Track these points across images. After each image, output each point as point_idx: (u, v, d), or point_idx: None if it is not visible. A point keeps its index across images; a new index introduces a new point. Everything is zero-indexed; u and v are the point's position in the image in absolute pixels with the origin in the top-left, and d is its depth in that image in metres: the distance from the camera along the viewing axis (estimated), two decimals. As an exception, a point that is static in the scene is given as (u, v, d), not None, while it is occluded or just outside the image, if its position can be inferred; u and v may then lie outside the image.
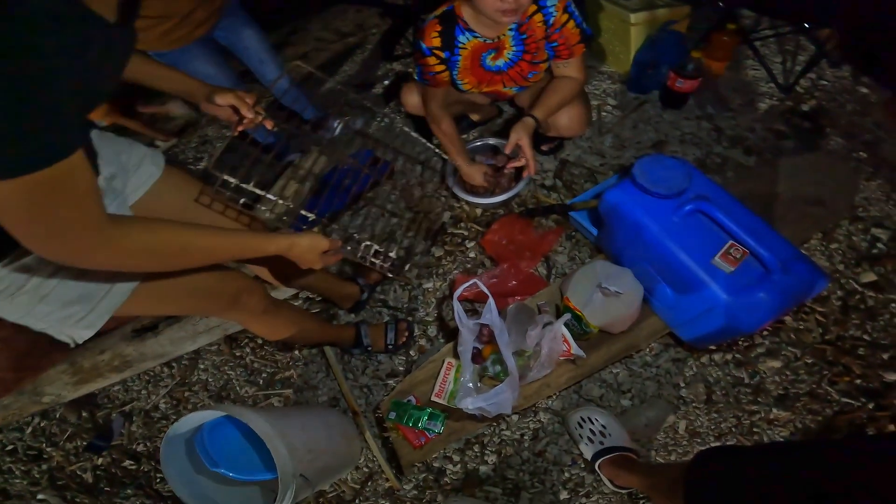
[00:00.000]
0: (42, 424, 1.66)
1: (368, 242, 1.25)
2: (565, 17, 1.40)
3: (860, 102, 1.94)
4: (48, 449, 1.61)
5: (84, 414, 1.66)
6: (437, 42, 1.45)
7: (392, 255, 1.32)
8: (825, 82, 2.03)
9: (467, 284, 1.26)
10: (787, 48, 2.19)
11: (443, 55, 1.48)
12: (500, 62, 1.53)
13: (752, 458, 0.79)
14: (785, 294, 1.05)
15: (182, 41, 1.55)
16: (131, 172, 0.97)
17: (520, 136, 1.50)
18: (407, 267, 1.68)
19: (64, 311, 0.80)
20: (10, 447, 1.64)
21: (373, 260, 1.26)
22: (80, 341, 0.85)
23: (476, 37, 1.44)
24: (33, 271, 0.74)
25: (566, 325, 1.29)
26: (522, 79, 1.59)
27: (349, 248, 1.20)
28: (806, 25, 1.96)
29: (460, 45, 1.47)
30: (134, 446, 1.58)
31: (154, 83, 0.99)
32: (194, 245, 0.76)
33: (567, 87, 1.54)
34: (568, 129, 1.68)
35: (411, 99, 1.76)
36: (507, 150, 1.54)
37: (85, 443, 1.60)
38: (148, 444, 1.57)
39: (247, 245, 0.86)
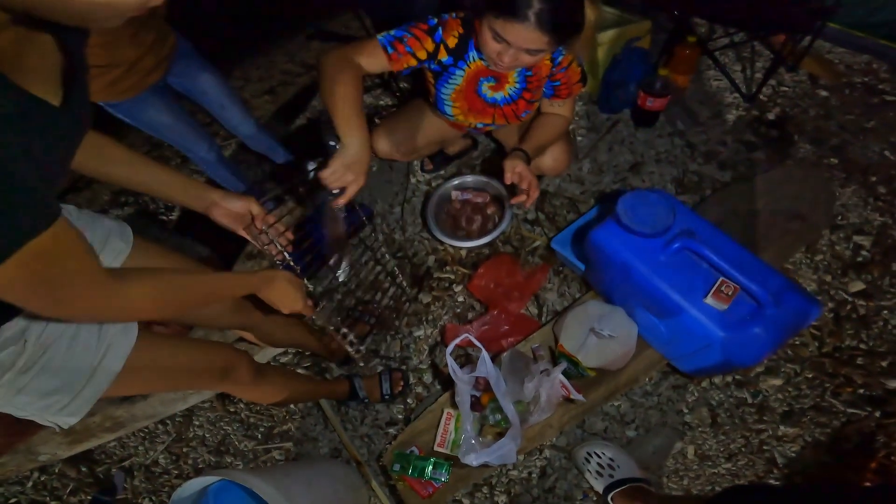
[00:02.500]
0: (42, 479, 1.62)
1: (346, 330, 1.29)
2: (570, 55, 1.33)
3: (822, 106, 1.98)
4: (52, 503, 1.57)
5: (83, 469, 1.62)
6: (452, 42, 1.28)
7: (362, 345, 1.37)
8: (786, 88, 2.07)
9: (459, 339, 1.23)
10: (744, 55, 2.23)
11: (445, 58, 1.32)
12: (499, 95, 1.42)
13: (781, 499, 0.77)
14: (780, 327, 1.04)
15: (133, 90, 1.46)
16: (98, 251, 0.91)
17: (516, 164, 1.33)
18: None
19: (44, 402, 0.77)
20: (12, 500, 1.60)
21: (348, 347, 1.31)
22: (66, 426, 0.81)
23: (482, 59, 1.33)
24: (4, 367, 0.71)
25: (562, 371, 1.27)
26: (515, 117, 1.49)
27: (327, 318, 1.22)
28: (759, 32, 2.00)
29: (467, 61, 1.34)
30: (140, 501, 1.54)
31: (148, 189, 0.94)
32: (191, 285, 0.78)
33: (557, 126, 1.47)
34: (552, 170, 1.64)
35: (382, 145, 1.71)
36: (508, 181, 1.35)
37: (89, 497, 1.56)
38: (153, 498, 1.54)
39: (234, 282, 0.88)
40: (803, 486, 1.14)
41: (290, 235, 1.07)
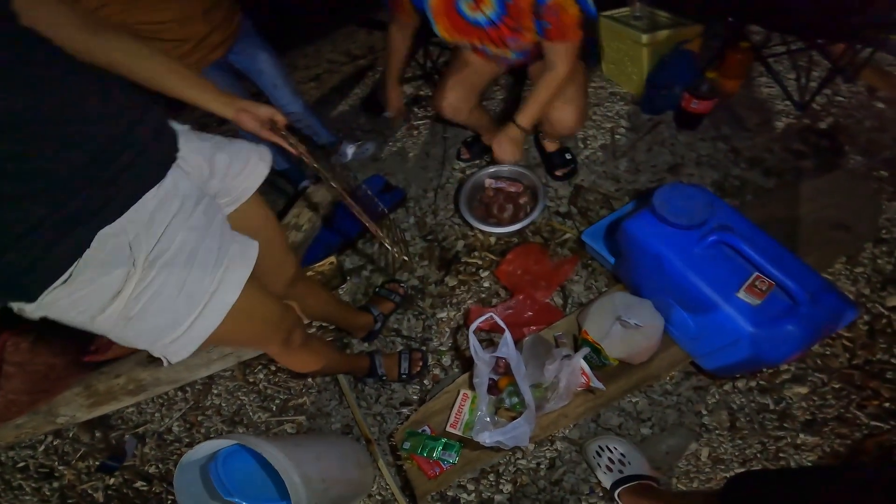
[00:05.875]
0: (55, 443, 1.67)
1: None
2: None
3: (878, 118, 1.91)
4: (60, 467, 1.62)
5: (97, 434, 1.66)
6: None
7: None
8: (841, 98, 2.01)
9: (483, 318, 1.24)
10: (800, 64, 2.17)
11: None
12: (480, 17, 1.41)
13: (790, 481, 0.76)
14: (814, 326, 1.01)
15: (198, 65, 1.55)
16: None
17: (499, 142, 1.51)
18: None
19: (155, 336, 0.76)
20: (21, 464, 1.64)
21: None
22: (175, 360, 0.81)
23: None
24: (114, 291, 0.68)
25: (584, 357, 1.26)
26: (502, 42, 1.47)
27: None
28: (818, 41, 1.95)
29: None
30: (146, 468, 1.57)
31: (181, 93, 0.95)
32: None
33: (546, 86, 1.46)
34: (559, 123, 1.62)
35: (443, 102, 1.69)
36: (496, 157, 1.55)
37: (97, 462, 1.60)
38: (160, 465, 1.57)
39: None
40: (814, 468, 1.10)
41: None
